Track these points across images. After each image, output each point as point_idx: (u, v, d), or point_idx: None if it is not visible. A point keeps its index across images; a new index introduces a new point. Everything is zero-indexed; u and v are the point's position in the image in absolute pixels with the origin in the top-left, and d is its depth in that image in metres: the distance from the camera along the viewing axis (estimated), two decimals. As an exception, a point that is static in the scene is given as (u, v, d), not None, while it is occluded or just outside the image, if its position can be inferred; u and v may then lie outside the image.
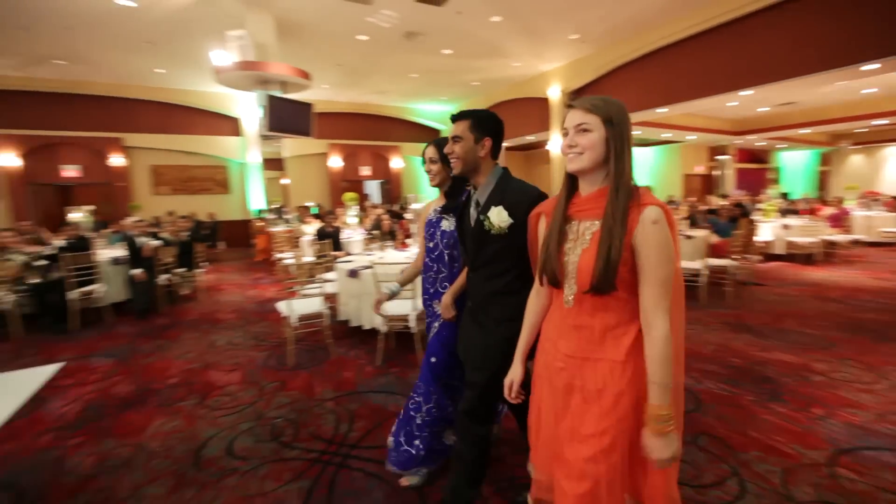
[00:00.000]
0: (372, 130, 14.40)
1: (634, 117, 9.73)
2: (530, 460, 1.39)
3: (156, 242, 5.53)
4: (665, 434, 1.07)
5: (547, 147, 11.88)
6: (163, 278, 5.60)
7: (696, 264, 5.29)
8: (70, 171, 10.90)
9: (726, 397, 2.89)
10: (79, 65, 9.52)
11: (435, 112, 15.21)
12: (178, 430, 2.69)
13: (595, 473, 1.13)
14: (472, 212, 1.70)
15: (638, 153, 17.47)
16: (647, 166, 17.23)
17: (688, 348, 3.73)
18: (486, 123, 1.66)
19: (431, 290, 2.09)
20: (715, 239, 5.95)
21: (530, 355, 1.43)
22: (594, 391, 1.16)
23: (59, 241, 5.70)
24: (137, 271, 5.19)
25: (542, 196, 1.59)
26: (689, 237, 5.78)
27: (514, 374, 1.39)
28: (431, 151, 1.99)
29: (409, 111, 14.77)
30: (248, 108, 11.88)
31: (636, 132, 13.57)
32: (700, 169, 17.45)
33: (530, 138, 12.97)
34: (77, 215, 6.56)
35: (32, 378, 3.60)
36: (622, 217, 1.09)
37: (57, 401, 3.14)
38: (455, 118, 1.69)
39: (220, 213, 12.17)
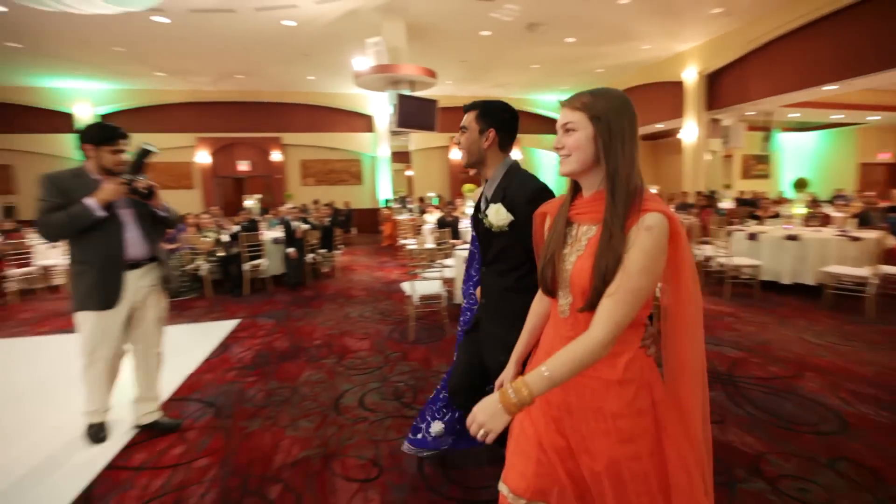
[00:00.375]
0: (491, 123, 14.66)
1: (792, 97, 8.42)
2: (503, 479, 1.24)
3: (305, 226, 6.54)
4: (506, 409, 0.95)
5: (679, 136, 10.86)
6: (309, 257, 6.60)
7: (861, 271, 4.51)
8: (243, 166, 13.25)
9: (884, 425, 2.51)
10: (252, 77, 11.45)
11: (555, 102, 14.86)
12: (322, 381, 3.26)
13: (604, 487, 1.06)
14: (482, 205, 1.65)
15: (797, 139, 14.94)
16: (807, 154, 14.67)
17: (840, 366, 3.28)
18: (491, 114, 1.60)
19: (476, 278, 2.00)
20: (893, 242, 4.96)
21: None
22: (592, 409, 1.06)
23: (236, 224, 7.05)
24: (291, 250, 6.21)
25: (543, 190, 1.50)
26: (854, 239, 4.93)
27: (506, 375, 1.31)
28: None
29: (528, 102, 14.69)
30: (380, 106, 13.02)
31: (794, 114, 11.66)
32: (885, 156, 14.30)
33: (659, 126, 11.98)
34: (249, 202, 8.04)
35: (221, 329, 4.62)
36: (621, 226, 0.97)
37: (237, 347, 4.00)
38: (465, 109, 1.66)
39: (354, 201, 13.61)
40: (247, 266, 5.97)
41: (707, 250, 5.94)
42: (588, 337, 0.96)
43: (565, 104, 1.07)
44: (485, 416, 0.97)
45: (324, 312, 5.07)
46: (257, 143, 13.19)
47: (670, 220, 0.97)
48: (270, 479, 2.15)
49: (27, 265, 6.03)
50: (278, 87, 12.65)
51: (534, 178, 1.57)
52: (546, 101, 14.86)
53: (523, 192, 1.49)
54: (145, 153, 2.35)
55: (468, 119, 1.63)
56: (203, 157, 12.83)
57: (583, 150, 1.04)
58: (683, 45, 9.80)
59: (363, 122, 13.79)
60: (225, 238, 6.24)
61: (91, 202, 2.19)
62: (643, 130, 12.82)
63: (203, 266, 5.95)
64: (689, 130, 10.20)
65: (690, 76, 9.91)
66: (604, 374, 1.04)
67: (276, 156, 13.30)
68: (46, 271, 6.25)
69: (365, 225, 13.56)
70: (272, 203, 11.98)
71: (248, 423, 2.68)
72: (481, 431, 0.97)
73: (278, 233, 6.65)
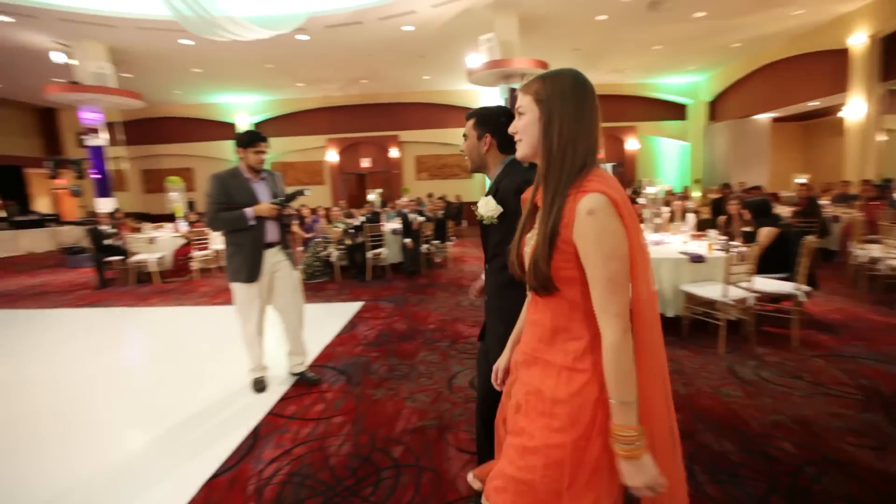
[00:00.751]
0: (606, 112, 13.69)
1: None
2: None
3: (420, 218, 7.00)
4: (633, 458, 0.91)
5: (840, 114, 9.16)
6: (424, 247, 7.05)
7: None
8: (365, 163, 14.50)
9: None
10: (374, 81, 12.43)
11: (680, 85, 13.58)
12: (436, 362, 3.54)
13: (509, 485, 1.02)
14: None
15: None
16: None
17: None
18: (486, 120, 1.67)
19: None
20: None
21: None
22: (535, 391, 1.05)
23: (360, 216, 7.81)
24: (408, 240, 6.71)
25: (531, 180, 1.49)
26: None
27: (500, 361, 1.33)
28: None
29: (648, 87, 13.63)
30: (492, 101, 13.18)
31: None
32: None
33: (814, 104, 10.24)
34: (372, 196, 8.80)
35: (349, 309, 5.21)
36: (551, 205, 0.97)
37: (362, 326, 4.50)
38: (467, 117, 1.75)
39: (465, 195, 14.04)
40: (369, 254, 6.61)
41: (874, 251, 5.02)
42: (605, 345, 0.95)
43: (520, 89, 1.08)
44: (637, 479, 0.93)
45: (437, 299, 5.43)
46: (377, 141, 14.32)
47: (612, 200, 0.92)
48: (394, 440, 2.45)
49: (205, 248, 7.43)
50: (396, 89, 13.54)
51: (525, 171, 1.57)
52: (668, 84, 13.63)
53: (512, 183, 1.52)
54: (300, 193, 3.08)
55: (468, 127, 1.72)
56: (332, 156, 14.35)
57: (530, 132, 1.04)
58: (848, 5, 8.22)
59: (474, 118, 14.11)
60: (351, 228, 6.96)
61: (249, 212, 2.86)
62: (792, 110, 11.11)
63: (333, 253, 6.73)
64: (856, 107, 8.55)
65: (858, 41, 8.29)
66: (555, 358, 1.02)
67: (393, 153, 14.31)
68: (218, 254, 7.64)
69: (474, 217, 13.87)
70: (390, 196, 12.94)
71: (374, 392, 3.05)
72: (650, 492, 0.93)
73: (396, 224, 7.21)
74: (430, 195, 12.38)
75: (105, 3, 7.48)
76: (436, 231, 7.48)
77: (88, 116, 9.37)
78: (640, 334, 0.99)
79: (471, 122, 1.71)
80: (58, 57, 8.68)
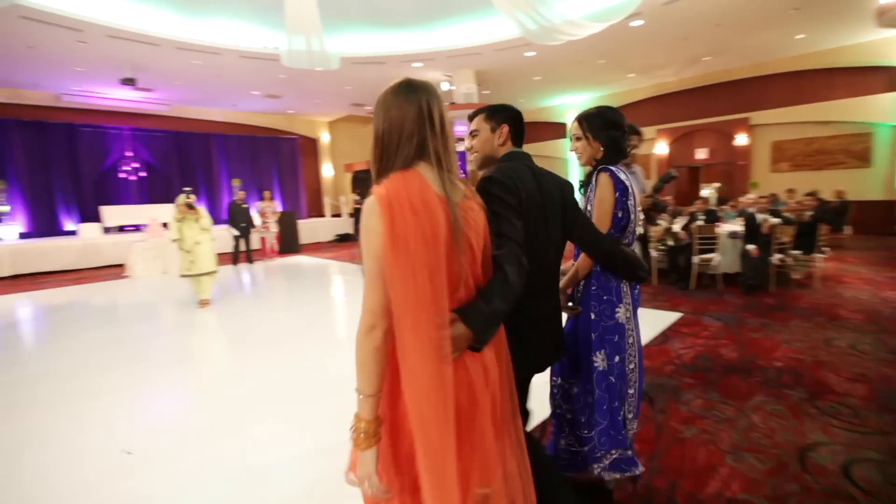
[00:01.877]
0: None
1: None
2: None
3: (774, 220, 5.39)
4: (356, 447, 1.00)
5: None
6: (776, 258, 5.41)
7: None
8: (701, 154, 12.53)
9: None
10: (719, 57, 10.46)
11: None
12: (782, 415, 2.59)
13: None
14: None
15: None
16: None
17: None
18: (500, 111, 1.64)
19: None
20: None
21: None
22: None
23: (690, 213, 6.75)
24: (752, 247, 5.30)
25: (488, 178, 1.44)
26: None
27: None
28: (574, 127, 2.03)
29: None
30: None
31: None
32: None
33: None
34: (706, 192, 7.47)
35: (663, 319, 4.59)
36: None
37: (676, 342, 3.84)
38: (470, 117, 1.70)
39: (852, 191, 10.02)
40: (696, 259, 5.61)
41: None
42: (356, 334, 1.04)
43: None
44: (359, 466, 1.02)
45: (790, 329, 4.04)
46: (719, 127, 12.04)
47: (382, 203, 0.97)
48: (700, 503, 1.91)
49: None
50: (750, 61, 10.94)
51: (499, 169, 1.49)
52: None
53: (482, 182, 1.47)
54: (671, 176, 2.94)
55: (477, 122, 1.67)
56: (661, 148, 13.08)
57: None
58: None
59: (880, 81, 9.77)
60: (676, 227, 6.07)
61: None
62: None
63: (653, 253, 6.07)
64: None
65: None
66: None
67: (740, 139, 11.69)
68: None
69: (869, 223, 9.79)
70: (731, 192, 10.71)
71: (682, 428, 2.50)
72: (366, 488, 1.01)
73: (736, 226, 5.83)
74: (790, 191, 9.47)
75: (474, 38, 9.25)
76: (799, 238, 5.59)
77: (459, 129, 11.95)
78: (398, 345, 0.99)
79: (480, 117, 1.68)
80: (444, 86, 11.38)
